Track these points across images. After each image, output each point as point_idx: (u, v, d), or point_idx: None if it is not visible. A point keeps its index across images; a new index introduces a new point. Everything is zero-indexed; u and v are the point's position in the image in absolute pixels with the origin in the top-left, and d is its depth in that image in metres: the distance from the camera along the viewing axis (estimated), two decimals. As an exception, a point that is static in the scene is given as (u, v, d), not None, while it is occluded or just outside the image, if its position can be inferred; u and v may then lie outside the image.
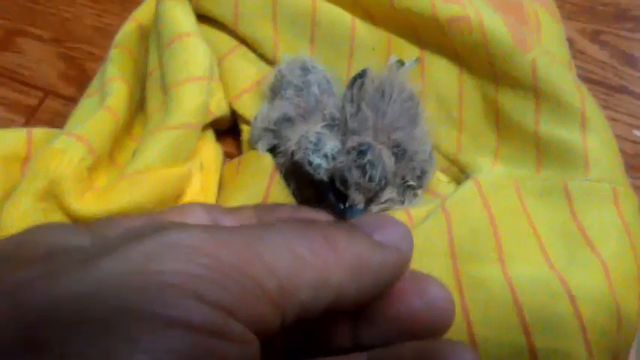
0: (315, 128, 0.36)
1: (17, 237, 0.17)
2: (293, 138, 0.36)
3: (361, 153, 0.34)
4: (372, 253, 0.18)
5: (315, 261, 0.16)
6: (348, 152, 0.34)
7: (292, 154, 0.36)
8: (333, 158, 0.35)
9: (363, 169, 0.34)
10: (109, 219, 0.20)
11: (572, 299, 0.30)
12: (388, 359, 0.19)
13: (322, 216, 0.24)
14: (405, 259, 0.19)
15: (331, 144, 0.35)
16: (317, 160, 0.35)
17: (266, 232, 0.17)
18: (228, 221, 0.22)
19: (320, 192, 0.36)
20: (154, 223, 0.18)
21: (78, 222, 0.19)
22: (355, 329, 0.20)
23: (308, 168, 0.35)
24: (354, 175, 0.34)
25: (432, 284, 0.20)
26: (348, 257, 0.17)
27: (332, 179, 0.35)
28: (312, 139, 0.35)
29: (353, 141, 0.35)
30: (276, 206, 0.23)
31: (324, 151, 0.35)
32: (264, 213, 0.22)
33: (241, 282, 0.15)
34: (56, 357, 0.13)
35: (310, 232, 0.17)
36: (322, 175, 0.35)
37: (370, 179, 0.34)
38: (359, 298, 0.17)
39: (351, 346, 0.19)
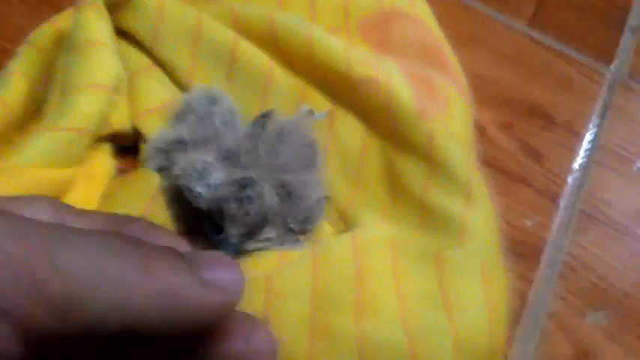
0: (204, 157, 0.36)
1: None
2: (180, 163, 0.36)
3: (242, 187, 0.34)
4: (190, 290, 0.17)
5: (117, 277, 0.15)
6: (230, 185, 0.34)
7: (177, 179, 0.35)
8: (216, 189, 0.35)
9: (240, 202, 0.34)
10: None
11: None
12: None
13: (169, 241, 0.23)
14: (229, 303, 0.18)
15: (216, 175, 0.35)
16: (198, 188, 0.34)
17: (75, 236, 0.16)
18: (71, 222, 0.21)
19: (198, 220, 0.35)
20: None
21: None
22: None
23: (189, 194, 0.35)
24: (231, 208, 0.34)
25: (258, 329, 0.19)
26: (159, 286, 0.16)
27: (211, 210, 0.35)
28: (198, 166, 0.35)
29: (238, 174, 0.35)
30: (130, 220, 0.23)
31: (207, 181, 0.35)
32: (114, 224, 0.22)
33: (19, 279, 0.14)
34: None
35: (126, 249, 0.16)
36: (202, 204, 0.35)
37: (246, 213, 0.34)
38: (167, 331, 0.17)
39: None
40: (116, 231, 0.20)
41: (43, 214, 0.20)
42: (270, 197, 0.35)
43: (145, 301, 0.16)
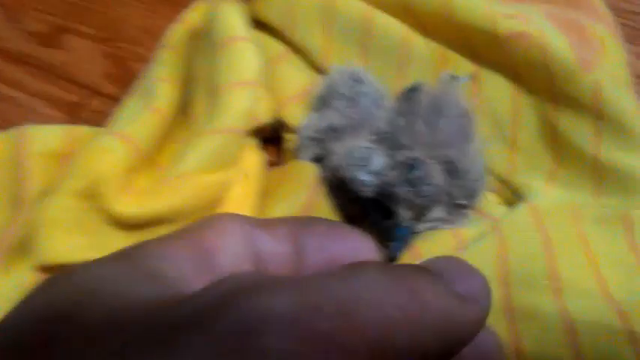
0: (362, 143, 0.34)
1: (57, 288, 0.16)
2: (339, 152, 0.35)
3: (411, 168, 0.33)
4: (456, 309, 0.16)
5: (404, 321, 0.15)
6: (397, 167, 0.33)
7: (338, 169, 0.34)
8: (381, 175, 0.33)
9: (411, 184, 0.32)
10: (145, 248, 0.18)
11: (631, 332, 0.28)
12: None
13: (364, 240, 0.22)
14: (485, 315, 0.17)
15: (379, 160, 0.34)
16: (363, 176, 0.33)
17: (352, 285, 0.15)
18: (264, 239, 0.20)
19: (365, 208, 0.34)
20: (236, 278, 0.17)
21: (112, 255, 0.18)
22: None
23: (354, 185, 0.34)
24: (402, 191, 0.33)
25: (484, 334, 0.18)
26: (434, 314, 0.16)
27: (378, 195, 0.34)
28: (359, 154, 0.34)
29: (402, 156, 0.34)
30: (311, 222, 0.22)
31: (371, 168, 0.33)
32: (299, 229, 0.21)
33: (335, 353, 0.14)
34: None
35: (396, 285, 0.16)
36: (368, 192, 0.34)
37: (419, 195, 0.33)
38: (438, 354, 0.16)
39: None
40: (376, 263, 0.19)
41: (234, 242, 0.19)
42: (439, 176, 0.33)
43: (428, 335, 0.15)
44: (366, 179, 0.33)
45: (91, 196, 0.33)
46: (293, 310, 0.14)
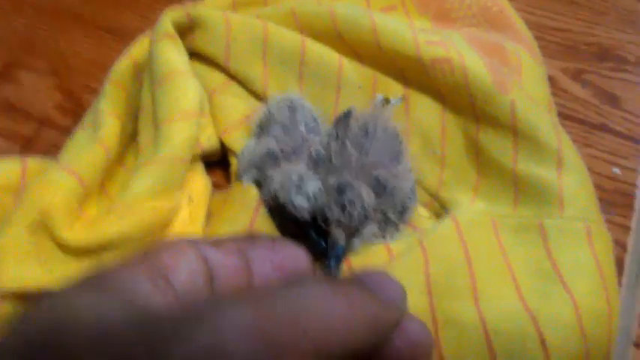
0: (298, 168, 0.37)
1: (41, 318, 0.17)
2: (276, 177, 0.37)
3: (340, 192, 0.35)
4: (381, 312, 0.20)
5: (343, 324, 0.18)
6: (328, 191, 0.36)
7: (275, 193, 0.37)
8: (315, 198, 0.36)
9: (342, 207, 0.35)
10: (107, 274, 0.20)
11: (542, 337, 0.31)
12: None
13: (299, 251, 0.25)
14: (402, 315, 0.21)
15: (313, 185, 0.36)
16: (299, 201, 0.36)
17: (298, 296, 0.18)
18: (214, 254, 0.23)
19: (301, 228, 0.37)
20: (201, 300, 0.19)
21: (82, 281, 0.20)
22: None
23: (291, 208, 0.36)
24: (335, 214, 0.35)
25: (414, 323, 0.21)
26: (365, 318, 0.19)
27: (314, 217, 0.36)
28: (295, 179, 0.36)
29: (333, 180, 0.36)
30: (255, 237, 0.24)
31: (306, 192, 0.36)
32: (244, 245, 0.23)
33: (284, 351, 0.16)
34: None
35: (335, 296, 0.19)
36: (304, 215, 0.36)
37: (350, 218, 0.35)
38: (366, 351, 0.19)
39: None
40: (316, 277, 0.22)
41: (188, 260, 0.22)
42: (368, 196, 0.36)
43: (362, 334, 0.19)
44: (301, 203, 0.36)
45: (42, 226, 0.35)
46: (251, 322, 0.16)
